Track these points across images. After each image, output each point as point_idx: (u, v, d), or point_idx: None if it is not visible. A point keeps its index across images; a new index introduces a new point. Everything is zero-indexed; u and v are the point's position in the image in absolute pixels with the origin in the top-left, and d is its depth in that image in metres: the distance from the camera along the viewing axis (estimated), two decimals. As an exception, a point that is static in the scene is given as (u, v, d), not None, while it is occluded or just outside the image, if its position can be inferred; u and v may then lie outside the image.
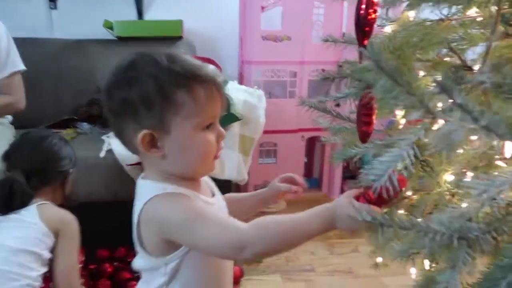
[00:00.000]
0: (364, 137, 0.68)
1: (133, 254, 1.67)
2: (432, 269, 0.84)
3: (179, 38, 2.16)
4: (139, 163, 1.53)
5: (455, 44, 0.61)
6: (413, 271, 0.99)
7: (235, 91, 1.64)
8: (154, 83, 0.62)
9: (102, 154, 1.53)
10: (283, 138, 2.27)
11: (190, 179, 0.69)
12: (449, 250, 0.45)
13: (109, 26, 2.00)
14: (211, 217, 0.61)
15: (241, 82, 2.23)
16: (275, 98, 2.27)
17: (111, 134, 1.67)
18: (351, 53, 2.45)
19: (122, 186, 1.54)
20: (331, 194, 2.39)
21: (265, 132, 2.09)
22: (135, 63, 0.65)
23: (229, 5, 2.32)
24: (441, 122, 0.50)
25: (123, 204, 1.57)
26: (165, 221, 0.63)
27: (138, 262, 0.71)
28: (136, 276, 1.51)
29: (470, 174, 0.62)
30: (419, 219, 0.44)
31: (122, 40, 2.05)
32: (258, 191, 0.83)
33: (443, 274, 0.42)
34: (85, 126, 1.81)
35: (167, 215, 0.63)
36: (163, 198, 0.64)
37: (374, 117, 0.67)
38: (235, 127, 1.61)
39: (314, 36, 2.29)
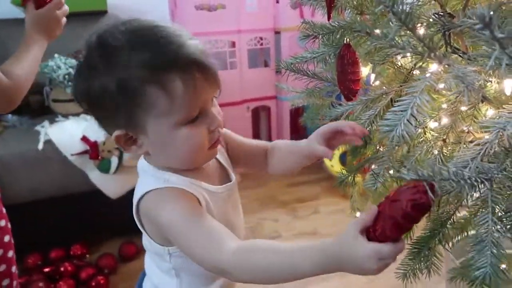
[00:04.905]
0: (352, 94, 0.68)
1: (90, 250, 1.57)
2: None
3: (104, 12, 1.98)
4: (86, 151, 1.40)
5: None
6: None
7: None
8: (114, 80, 0.51)
9: (40, 146, 1.38)
10: (229, 111, 2.23)
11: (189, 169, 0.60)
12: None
13: (17, 3, 1.75)
14: (200, 230, 0.53)
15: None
16: (214, 70, 2.21)
17: (46, 123, 1.50)
18: (287, 20, 2.45)
19: (69, 178, 1.41)
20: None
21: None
22: (92, 48, 0.54)
23: (155, -26, 2.16)
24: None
25: (73, 197, 1.46)
26: (159, 222, 0.56)
27: (144, 239, 0.63)
28: (100, 271, 1.42)
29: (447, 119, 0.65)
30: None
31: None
32: (299, 144, 0.67)
33: (478, 216, 0.44)
34: (11, 118, 1.60)
35: (161, 217, 0.55)
36: (160, 196, 0.56)
37: (360, 73, 0.67)
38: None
39: (248, 3, 2.24)
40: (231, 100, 2.24)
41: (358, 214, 1.03)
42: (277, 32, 2.26)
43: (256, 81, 2.28)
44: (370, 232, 0.43)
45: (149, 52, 0.51)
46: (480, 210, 0.50)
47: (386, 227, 0.42)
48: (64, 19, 0.92)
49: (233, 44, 2.20)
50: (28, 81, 0.83)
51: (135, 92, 0.51)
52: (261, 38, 2.25)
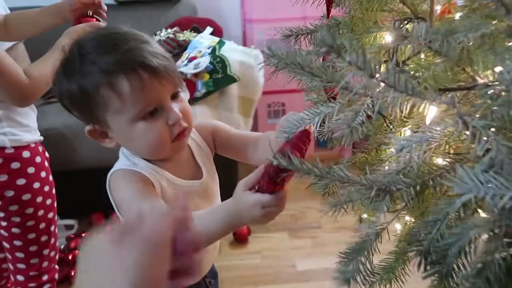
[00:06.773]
0: (331, 96, 0.68)
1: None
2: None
3: (176, 1, 2.14)
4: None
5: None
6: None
7: (231, 52, 1.63)
8: (76, 85, 0.60)
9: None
10: (290, 98, 2.26)
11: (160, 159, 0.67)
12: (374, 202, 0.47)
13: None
14: (144, 207, 0.60)
15: (244, 41, 2.19)
16: (280, 56, 2.23)
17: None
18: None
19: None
20: (343, 153, 2.38)
21: (272, 92, 2.08)
22: (67, 56, 0.62)
23: (229, -40, 2.24)
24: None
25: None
26: (114, 197, 0.65)
27: None
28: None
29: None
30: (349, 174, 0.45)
31: (121, 4, 2.05)
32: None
33: (365, 223, 0.44)
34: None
35: (116, 193, 0.64)
36: (122, 175, 0.65)
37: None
38: (233, 88, 1.62)
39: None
40: (293, 87, 2.25)
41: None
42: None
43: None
44: (256, 188, 0.50)
45: (102, 58, 0.59)
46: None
47: (264, 182, 0.49)
48: None
49: (298, 31, 2.19)
50: (45, 85, 0.91)
51: (92, 94, 0.60)
52: (328, 25, 2.21)
